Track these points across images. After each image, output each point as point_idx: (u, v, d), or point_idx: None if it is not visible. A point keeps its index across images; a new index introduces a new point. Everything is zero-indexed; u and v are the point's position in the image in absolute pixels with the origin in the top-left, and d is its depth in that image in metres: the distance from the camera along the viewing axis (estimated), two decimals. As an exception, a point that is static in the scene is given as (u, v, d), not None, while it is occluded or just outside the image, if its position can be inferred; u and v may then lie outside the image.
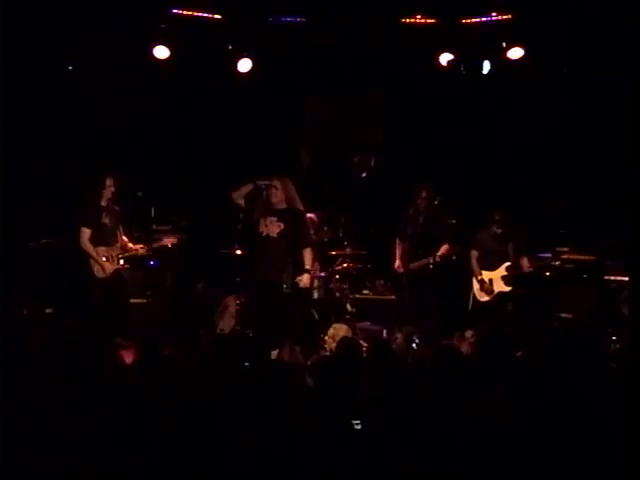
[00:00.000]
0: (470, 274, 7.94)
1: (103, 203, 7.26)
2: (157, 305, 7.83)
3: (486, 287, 7.77)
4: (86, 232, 7.17)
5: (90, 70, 8.64)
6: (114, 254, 7.23)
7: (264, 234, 6.60)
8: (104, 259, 7.16)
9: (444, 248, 7.57)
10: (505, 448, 3.54)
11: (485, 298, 7.80)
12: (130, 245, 7.37)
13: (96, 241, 7.18)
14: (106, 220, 7.23)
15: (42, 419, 3.74)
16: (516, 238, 7.78)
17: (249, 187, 6.64)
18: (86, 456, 3.40)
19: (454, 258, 7.63)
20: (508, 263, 7.74)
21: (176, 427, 3.59)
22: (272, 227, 6.58)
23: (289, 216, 6.63)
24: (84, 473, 3.26)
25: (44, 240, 8.27)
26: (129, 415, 3.75)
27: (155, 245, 7.38)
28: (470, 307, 7.92)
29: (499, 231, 7.73)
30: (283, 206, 6.65)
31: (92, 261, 7.20)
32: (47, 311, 7.76)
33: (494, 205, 8.42)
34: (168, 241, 7.46)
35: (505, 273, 7.72)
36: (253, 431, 3.64)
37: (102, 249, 7.18)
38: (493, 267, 7.80)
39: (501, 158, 9.28)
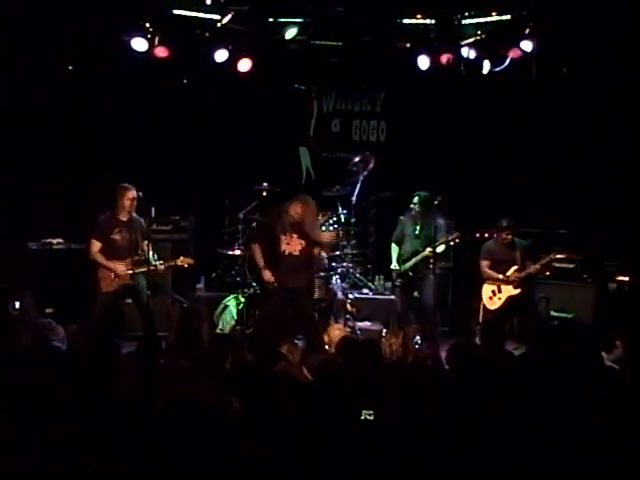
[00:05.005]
0: (479, 285, 7.96)
1: (122, 217, 7.16)
2: (157, 305, 7.79)
3: (496, 294, 7.83)
4: (96, 244, 7.11)
5: (90, 70, 8.63)
6: (121, 268, 7.11)
7: (287, 252, 7.04)
8: (113, 272, 7.08)
9: (456, 234, 7.55)
10: (505, 448, 3.54)
11: (495, 306, 7.83)
12: (141, 259, 7.21)
13: (105, 255, 7.10)
14: (117, 236, 7.12)
15: (41, 420, 3.74)
16: (523, 246, 7.82)
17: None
18: (86, 456, 3.40)
19: (457, 241, 7.56)
20: (516, 267, 7.75)
21: (175, 427, 3.59)
22: (294, 245, 7.04)
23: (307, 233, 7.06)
24: (84, 473, 3.26)
25: (44, 240, 8.28)
26: (128, 415, 3.75)
27: (169, 265, 7.29)
28: (481, 318, 7.93)
29: (509, 237, 7.74)
30: (301, 222, 7.05)
31: (100, 273, 7.13)
32: (47, 311, 7.78)
33: (492, 205, 8.39)
34: (185, 261, 7.33)
35: (514, 276, 7.73)
36: (253, 431, 3.65)
37: (111, 263, 7.10)
38: (502, 274, 7.84)
39: (501, 158, 9.26)
